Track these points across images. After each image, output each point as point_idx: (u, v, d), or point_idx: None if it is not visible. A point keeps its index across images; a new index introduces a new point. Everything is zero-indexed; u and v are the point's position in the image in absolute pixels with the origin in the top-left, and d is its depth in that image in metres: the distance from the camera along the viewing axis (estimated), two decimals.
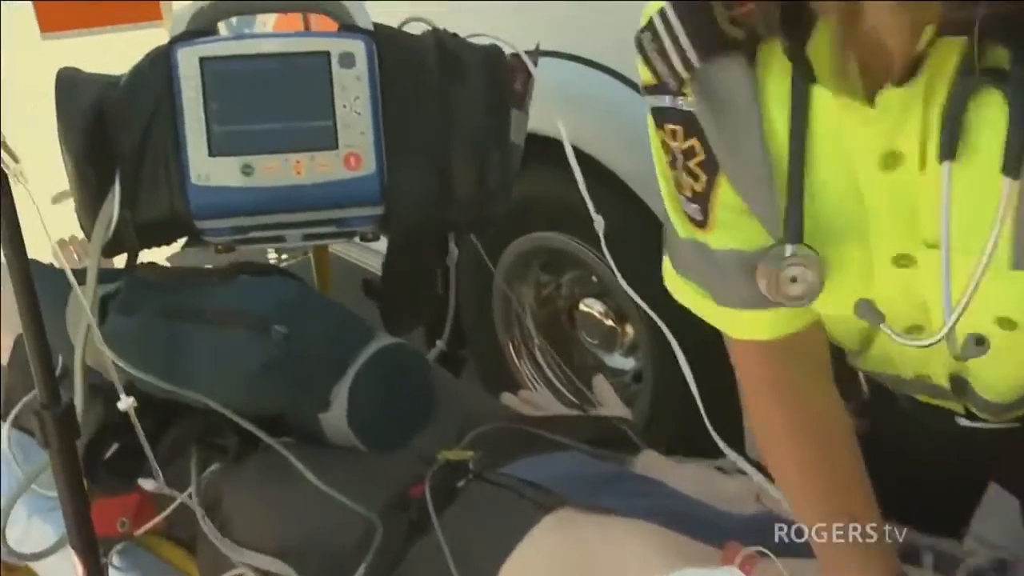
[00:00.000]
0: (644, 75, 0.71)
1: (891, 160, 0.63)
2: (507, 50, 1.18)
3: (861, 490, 0.77)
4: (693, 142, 0.69)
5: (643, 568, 0.82)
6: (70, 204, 1.15)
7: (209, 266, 1.37)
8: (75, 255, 1.57)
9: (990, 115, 0.57)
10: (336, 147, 1.09)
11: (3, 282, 1.55)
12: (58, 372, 1.04)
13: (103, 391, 1.15)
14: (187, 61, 1.06)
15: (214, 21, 1.13)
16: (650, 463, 1.05)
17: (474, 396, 1.29)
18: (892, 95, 0.60)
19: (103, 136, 1.06)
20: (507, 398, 1.24)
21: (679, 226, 0.75)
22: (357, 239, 1.19)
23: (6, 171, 0.95)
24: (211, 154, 1.07)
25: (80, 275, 1.07)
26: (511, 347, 1.97)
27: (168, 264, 1.46)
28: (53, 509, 1.18)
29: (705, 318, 0.79)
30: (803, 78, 0.64)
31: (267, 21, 2.02)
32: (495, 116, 1.15)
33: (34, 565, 1.17)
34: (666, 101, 0.69)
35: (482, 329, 1.96)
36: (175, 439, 1.15)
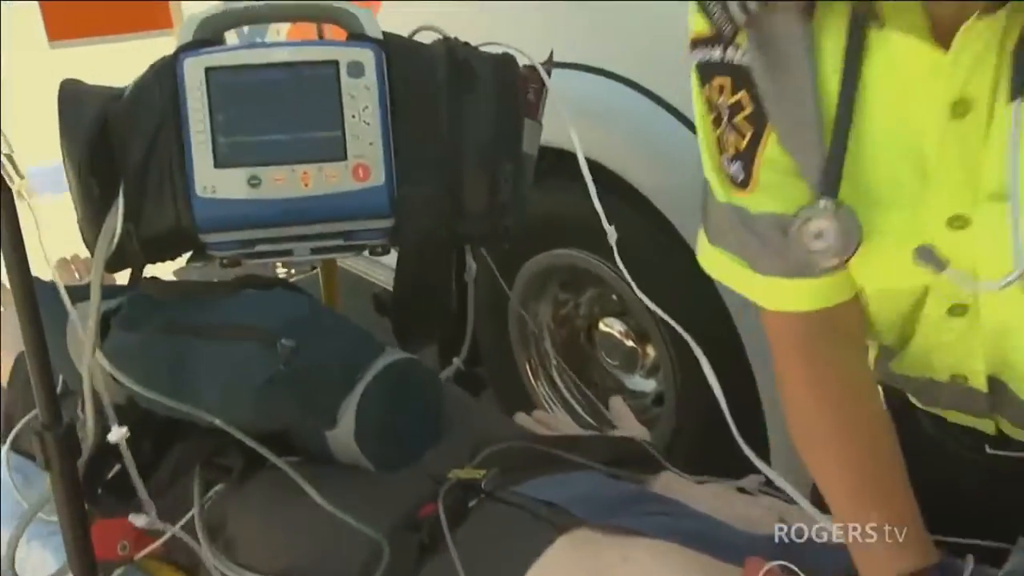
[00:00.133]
0: (697, 26, 0.73)
1: (961, 107, 0.63)
2: (520, 60, 1.20)
3: (900, 481, 0.77)
4: (741, 96, 0.71)
5: None
6: (72, 221, 1.17)
7: (215, 279, 1.39)
8: (77, 273, 1.60)
9: None
10: (345, 158, 1.10)
11: (3, 301, 1.59)
12: (58, 391, 1.06)
13: (104, 410, 1.16)
14: (193, 71, 1.08)
15: (221, 30, 1.15)
16: (669, 484, 1.05)
17: (487, 415, 1.29)
18: (967, 37, 0.60)
19: (107, 148, 1.08)
20: (521, 418, 1.24)
21: (719, 189, 0.76)
22: (366, 253, 1.19)
23: (10, 187, 0.98)
24: (217, 166, 1.08)
25: (83, 291, 1.09)
26: (528, 367, 1.98)
27: (172, 279, 1.48)
28: (53, 534, 1.20)
29: (741, 290, 0.79)
30: (861, 28, 0.65)
31: (280, 30, 2.05)
32: (507, 126, 1.17)
33: None
34: (716, 54, 0.71)
35: (498, 348, 1.97)
36: (178, 460, 1.16)
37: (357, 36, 1.14)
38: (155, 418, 1.14)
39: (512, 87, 1.17)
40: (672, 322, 0.97)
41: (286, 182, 1.09)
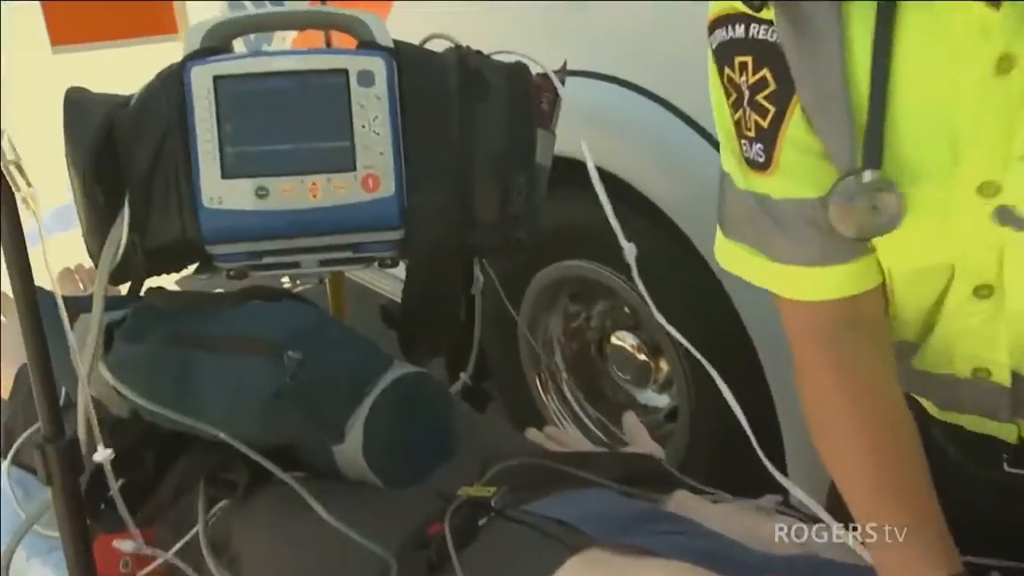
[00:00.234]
0: (717, 6, 0.74)
1: (1006, 63, 0.65)
2: (534, 68, 1.21)
3: (924, 480, 0.77)
4: (764, 73, 0.72)
5: None
6: (74, 232, 1.18)
7: (220, 290, 1.40)
8: (81, 284, 1.61)
9: None
10: (354, 168, 1.11)
11: (3, 310, 1.60)
12: (60, 403, 1.07)
13: (108, 423, 1.17)
14: (200, 80, 1.09)
15: (229, 38, 1.16)
16: (683, 502, 1.06)
17: (496, 430, 1.30)
18: None
19: (112, 158, 1.09)
20: (532, 434, 1.25)
21: (738, 176, 0.77)
22: (375, 265, 1.20)
23: (16, 194, 0.99)
24: (224, 176, 1.09)
25: (87, 302, 1.10)
26: (537, 381, 1.99)
27: (176, 289, 1.49)
28: (53, 549, 1.21)
29: (759, 282, 0.80)
30: None
31: (286, 37, 2.07)
32: (520, 136, 1.17)
33: None
34: (739, 31, 0.72)
35: (507, 362, 1.98)
36: (182, 475, 1.16)
37: (367, 44, 1.15)
38: (159, 431, 1.15)
39: (525, 96, 1.18)
40: (688, 345, 0.97)
41: (294, 193, 1.10)
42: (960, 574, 0.75)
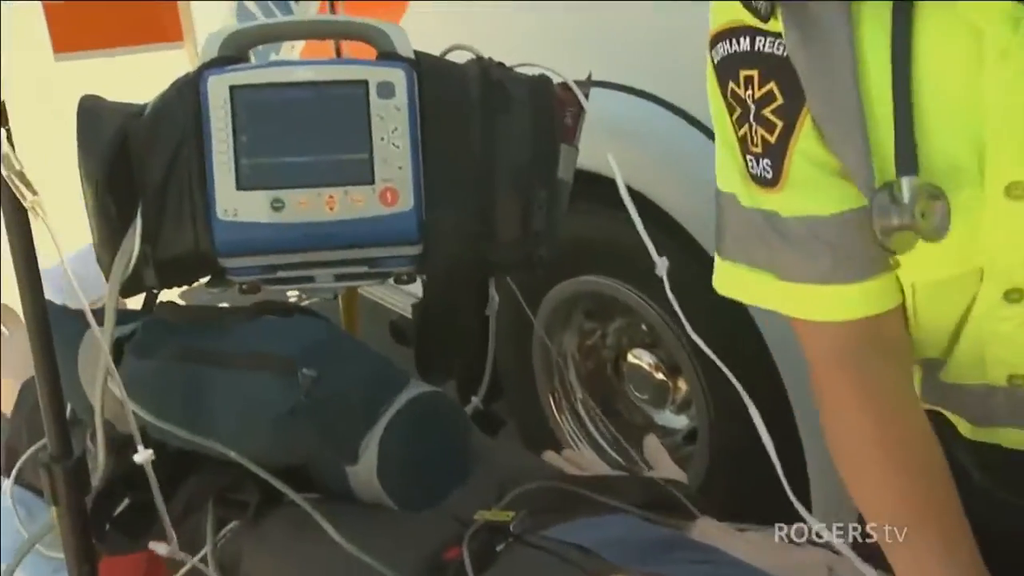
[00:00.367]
0: (719, 17, 0.74)
1: None
2: (556, 80, 1.21)
3: (952, 499, 0.77)
4: (771, 86, 0.72)
5: None
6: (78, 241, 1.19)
7: (225, 304, 1.41)
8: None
9: None
10: (372, 182, 1.11)
11: (2, 322, 1.61)
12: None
13: (114, 441, 1.18)
14: (217, 89, 1.10)
15: (246, 47, 1.17)
16: (707, 530, 1.06)
17: (515, 453, 1.30)
18: None
19: (126, 168, 1.10)
20: (550, 456, 1.25)
21: (742, 194, 0.77)
22: (391, 280, 1.21)
23: (24, 204, 1.00)
24: (239, 188, 1.10)
25: (95, 315, 1.10)
26: (551, 400, 1.99)
27: (184, 303, 1.50)
28: (57, 571, 1.21)
29: (770, 305, 0.79)
30: None
31: (295, 46, 2.08)
32: (542, 151, 1.18)
33: None
34: (743, 44, 0.72)
35: (520, 380, 1.98)
36: (191, 494, 1.17)
37: (387, 55, 1.16)
38: (167, 449, 1.16)
39: (549, 110, 1.18)
40: (719, 362, 0.98)
41: (310, 206, 1.11)
42: None
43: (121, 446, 1.19)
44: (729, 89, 0.75)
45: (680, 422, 1.86)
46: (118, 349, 1.18)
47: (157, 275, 1.13)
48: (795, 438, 1.52)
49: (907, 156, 0.68)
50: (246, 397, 1.12)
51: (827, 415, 0.82)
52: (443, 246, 1.15)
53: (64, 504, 1.06)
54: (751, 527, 1.07)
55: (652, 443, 1.26)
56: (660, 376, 1.86)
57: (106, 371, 1.05)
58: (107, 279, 1.12)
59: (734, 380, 0.99)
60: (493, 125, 1.15)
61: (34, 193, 1.00)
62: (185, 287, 1.24)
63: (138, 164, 1.10)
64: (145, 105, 1.14)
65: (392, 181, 1.12)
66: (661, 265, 1.08)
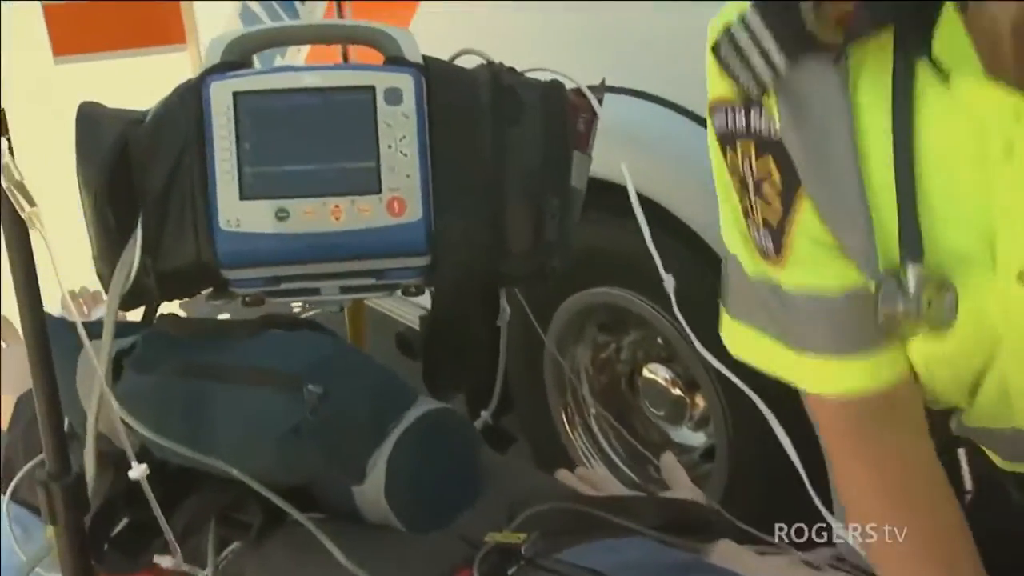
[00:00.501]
0: (715, 89, 0.73)
1: None
2: (569, 85, 1.21)
3: (972, 559, 0.77)
4: (768, 163, 0.71)
5: None
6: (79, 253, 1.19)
7: (226, 316, 1.40)
8: (85, 308, 1.62)
9: None
10: (379, 191, 1.11)
11: (1, 335, 1.61)
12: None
13: (112, 458, 1.18)
14: (220, 95, 1.10)
15: (250, 52, 1.16)
16: (727, 553, 1.05)
17: (526, 472, 1.29)
18: None
19: (126, 177, 1.10)
20: (563, 475, 1.24)
21: (747, 261, 0.76)
22: (398, 292, 1.20)
23: (22, 216, 1.00)
24: (242, 197, 1.10)
25: (93, 328, 1.10)
26: (564, 416, 1.98)
27: (185, 314, 1.50)
28: None
29: (778, 373, 0.79)
30: (907, 78, 0.65)
31: (300, 49, 2.08)
32: (555, 159, 1.17)
33: None
34: (739, 118, 0.71)
35: (531, 394, 1.98)
36: (192, 513, 1.16)
37: (395, 60, 1.15)
38: (168, 466, 1.15)
39: (561, 117, 1.17)
40: (734, 378, 0.97)
41: (316, 216, 1.10)
42: None
43: (119, 462, 1.19)
44: (728, 158, 0.74)
45: (698, 439, 1.85)
46: (117, 363, 1.18)
47: (158, 287, 1.13)
48: (817, 456, 1.51)
49: (912, 243, 0.67)
50: (249, 414, 1.12)
51: (838, 481, 0.83)
52: (452, 257, 1.14)
53: (62, 523, 1.06)
54: (772, 550, 1.06)
55: (669, 461, 1.25)
56: (677, 391, 1.85)
57: (101, 387, 1.05)
58: (106, 291, 1.12)
59: (753, 395, 0.98)
60: (504, 132, 1.15)
61: (32, 204, 1.00)
62: (186, 299, 1.25)
63: (139, 173, 1.10)
64: (146, 112, 1.14)
65: (400, 190, 1.11)
66: (669, 281, 1.08)
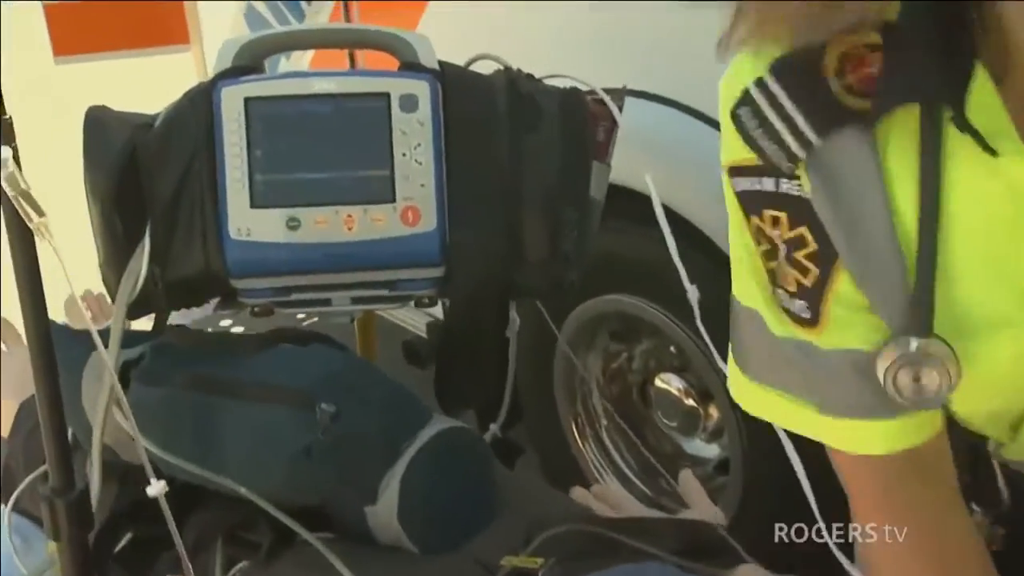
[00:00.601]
0: (734, 153, 0.70)
1: None
2: (588, 91, 1.19)
3: None
4: (802, 231, 0.69)
5: None
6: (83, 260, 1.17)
7: (237, 329, 1.39)
8: (89, 312, 1.60)
9: None
10: (393, 200, 1.09)
11: (2, 338, 1.59)
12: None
13: (116, 470, 1.16)
14: (231, 101, 1.08)
15: (262, 57, 1.15)
16: None
17: (541, 492, 1.28)
18: None
19: (134, 183, 1.08)
20: (578, 494, 1.22)
21: (772, 322, 0.74)
22: (411, 304, 1.19)
23: (30, 226, 0.98)
24: (253, 206, 1.08)
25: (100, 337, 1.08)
26: (574, 427, 1.97)
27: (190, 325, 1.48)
28: None
29: (808, 433, 0.77)
30: (934, 146, 0.64)
31: (304, 53, 2.06)
32: (573, 168, 1.15)
33: None
34: (766, 185, 0.69)
35: (540, 405, 1.96)
36: (200, 530, 1.15)
37: (410, 66, 1.14)
38: (174, 482, 1.13)
39: (581, 125, 1.16)
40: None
41: (328, 225, 1.09)
42: None
43: (123, 475, 1.18)
44: (754, 224, 0.72)
45: (711, 451, 1.84)
46: (124, 375, 1.16)
47: (166, 296, 1.11)
48: (832, 474, 1.49)
49: (921, 316, 0.66)
50: (259, 432, 1.10)
51: (861, 532, 0.80)
52: (467, 269, 1.13)
53: (65, 540, 1.05)
54: None
55: (687, 478, 1.23)
56: (690, 402, 1.83)
57: (109, 398, 1.04)
58: (112, 300, 1.11)
59: None
60: (521, 141, 1.13)
61: (40, 214, 0.98)
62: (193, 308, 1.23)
63: (147, 180, 1.09)
64: (155, 116, 1.12)
65: (414, 199, 1.10)
66: (692, 293, 1.06)
